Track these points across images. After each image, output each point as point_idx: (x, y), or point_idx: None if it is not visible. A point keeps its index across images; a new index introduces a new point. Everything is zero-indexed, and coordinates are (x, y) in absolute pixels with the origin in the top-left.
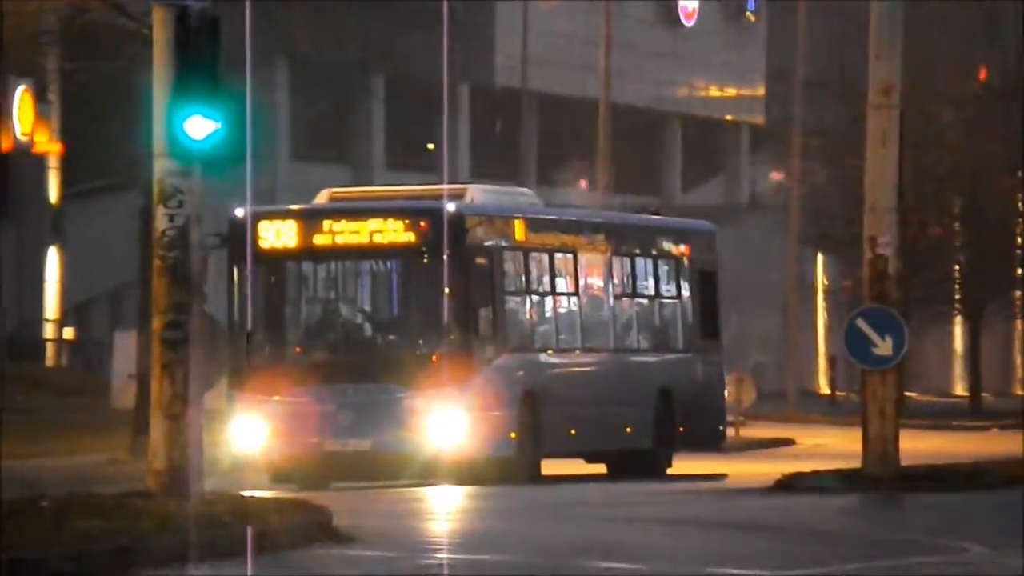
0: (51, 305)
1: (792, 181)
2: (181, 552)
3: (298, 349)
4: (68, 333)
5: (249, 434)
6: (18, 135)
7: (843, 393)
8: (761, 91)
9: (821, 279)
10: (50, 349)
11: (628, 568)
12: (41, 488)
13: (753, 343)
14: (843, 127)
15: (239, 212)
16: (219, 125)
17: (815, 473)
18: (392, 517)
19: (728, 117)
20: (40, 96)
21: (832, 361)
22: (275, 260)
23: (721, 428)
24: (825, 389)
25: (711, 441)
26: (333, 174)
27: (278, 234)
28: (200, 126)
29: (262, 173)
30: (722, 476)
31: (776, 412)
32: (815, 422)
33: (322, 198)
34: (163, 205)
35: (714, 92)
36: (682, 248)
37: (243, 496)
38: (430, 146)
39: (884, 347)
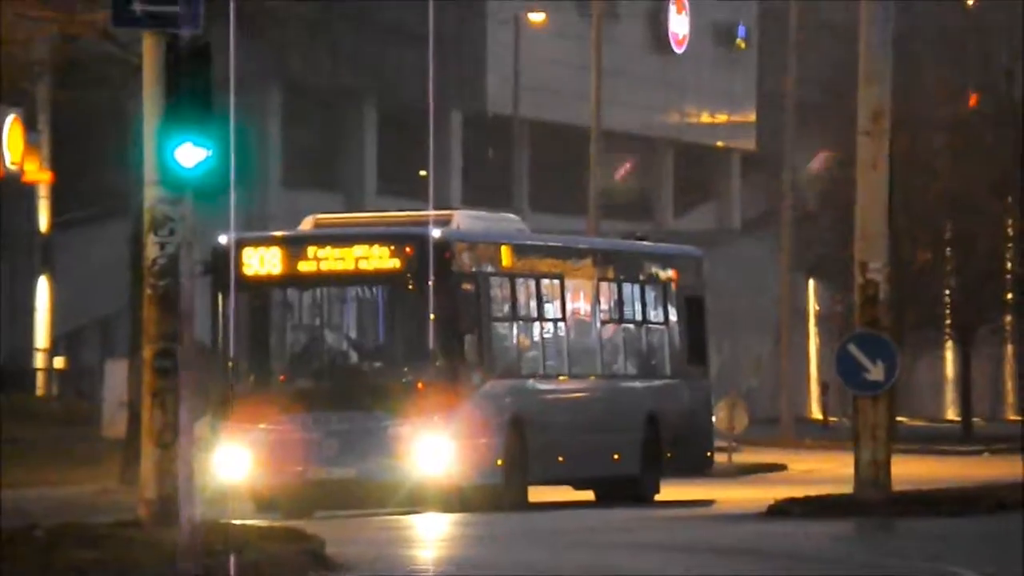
0: (41, 334)
1: (783, 207)
2: None
3: (282, 377)
4: (59, 362)
5: (233, 462)
6: (8, 164)
7: (835, 418)
8: (752, 117)
9: (813, 304)
10: (40, 378)
11: None
12: (33, 518)
13: (746, 368)
14: (834, 153)
15: (223, 239)
16: (210, 153)
17: (808, 499)
18: (382, 545)
19: (719, 143)
20: (30, 125)
21: (824, 386)
22: (259, 287)
23: (709, 454)
24: (817, 414)
25: (699, 467)
26: (325, 201)
27: (262, 261)
28: (191, 154)
29: (253, 200)
30: (709, 502)
31: (769, 437)
32: (807, 447)
33: (307, 224)
34: (154, 233)
35: (705, 118)
36: (669, 273)
37: (235, 525)
38: (422, 173)
39: (876, 372)
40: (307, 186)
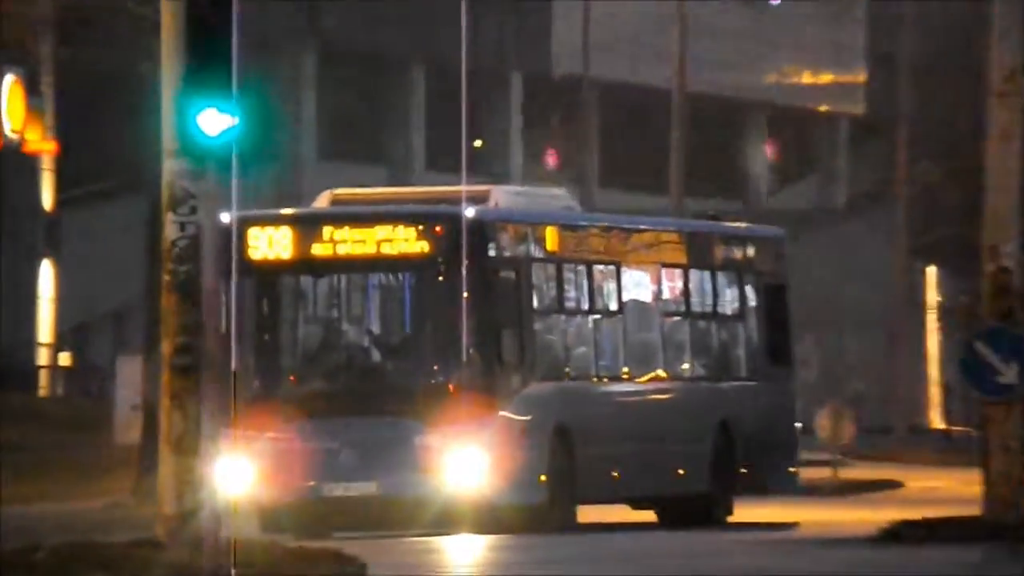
0: (45, 327)
1: (898, 181)
2: None
3: (293, 377)
4: (64, 359)
5: (236, 475)
6: (7, 132)
7: (959, 428)
8: (862, 77)
9: (933, 294)
10: (44, 377)
11: None
12: (35, 537)
13: (852, 369)
14: (959, 118)
15: (225, 217)
16: (236, 120)
17: (927, 521)
18: (421, 568)
19: (823, 107)
20: (32, 88)
21: (946, 390)
22: (267, 273)
23: (792, 469)
24: (938, 423)
25: (780, 484)
26: (367, 175)
27: (270, 243)
28: (215, 121)
29: (286, 175)
30: (792, 525)
31: (881, 450)
32: (926, 462)
33: (322, 201)
34: (173, 212)
35: (806, 78)
36: (746, 258)
37: (267, 544)
38: (477, 143)
39: (1008, 374)
40: (347, 159)
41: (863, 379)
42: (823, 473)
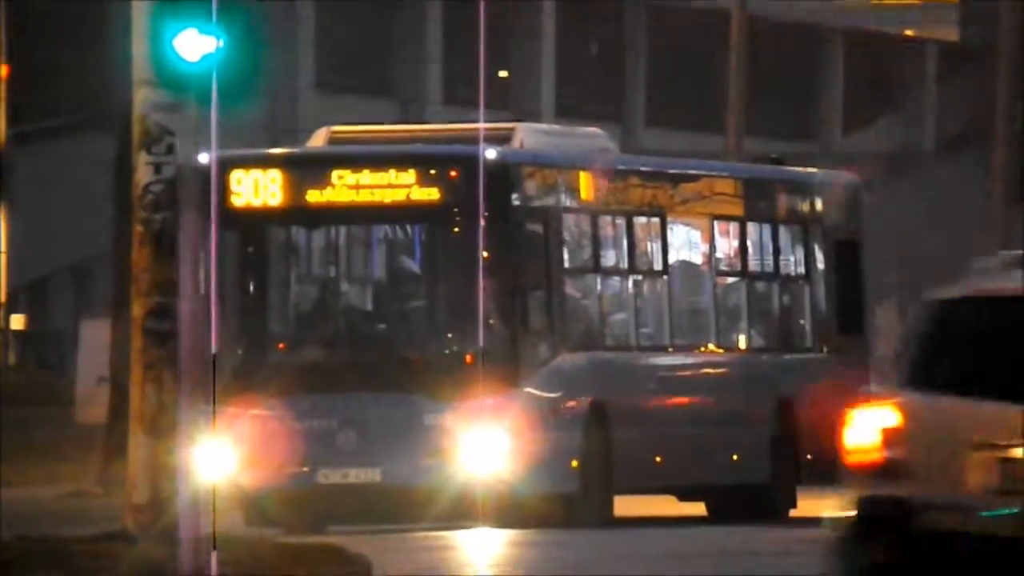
0: None
1: (998, 119)
2: None
3: (282, 346)
4: (17, 322)
5: (217, 459)
6: None
7: None
8: None
9: None
10: None
11: None
12: None
13: None
14: None
15: (203, 158)
16: (221, 43)
17: None
18: (435, 568)
19: (909, 32)
20: None
21: None
22: (251, 224)
23: None
24: None
25: None
26: (373, 109)
27: (256, 188)
28: (194, 44)
29: (278, 108)
30: None
31: None
32: None
33: (318, 140)
34: (146, 151)
35: None
36: (814, 209)
37: (253, 540)
38: (502, 74)
39: None
40: (350, 91)
41: None
42: None
